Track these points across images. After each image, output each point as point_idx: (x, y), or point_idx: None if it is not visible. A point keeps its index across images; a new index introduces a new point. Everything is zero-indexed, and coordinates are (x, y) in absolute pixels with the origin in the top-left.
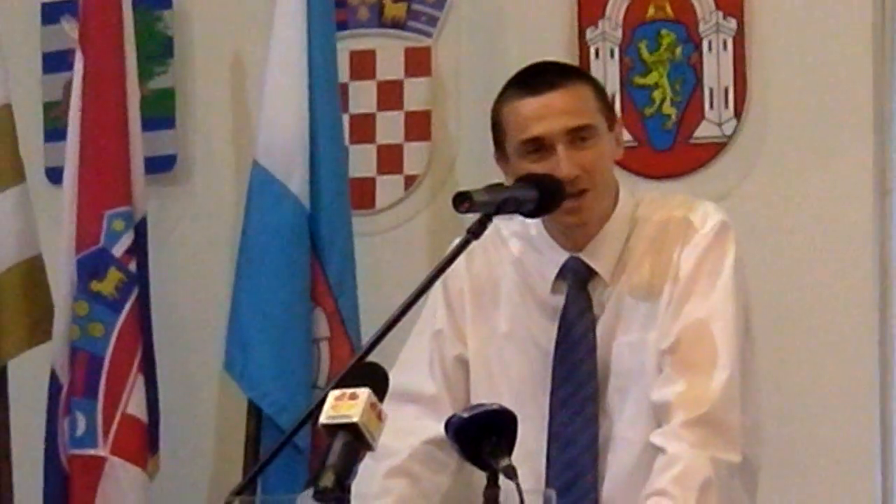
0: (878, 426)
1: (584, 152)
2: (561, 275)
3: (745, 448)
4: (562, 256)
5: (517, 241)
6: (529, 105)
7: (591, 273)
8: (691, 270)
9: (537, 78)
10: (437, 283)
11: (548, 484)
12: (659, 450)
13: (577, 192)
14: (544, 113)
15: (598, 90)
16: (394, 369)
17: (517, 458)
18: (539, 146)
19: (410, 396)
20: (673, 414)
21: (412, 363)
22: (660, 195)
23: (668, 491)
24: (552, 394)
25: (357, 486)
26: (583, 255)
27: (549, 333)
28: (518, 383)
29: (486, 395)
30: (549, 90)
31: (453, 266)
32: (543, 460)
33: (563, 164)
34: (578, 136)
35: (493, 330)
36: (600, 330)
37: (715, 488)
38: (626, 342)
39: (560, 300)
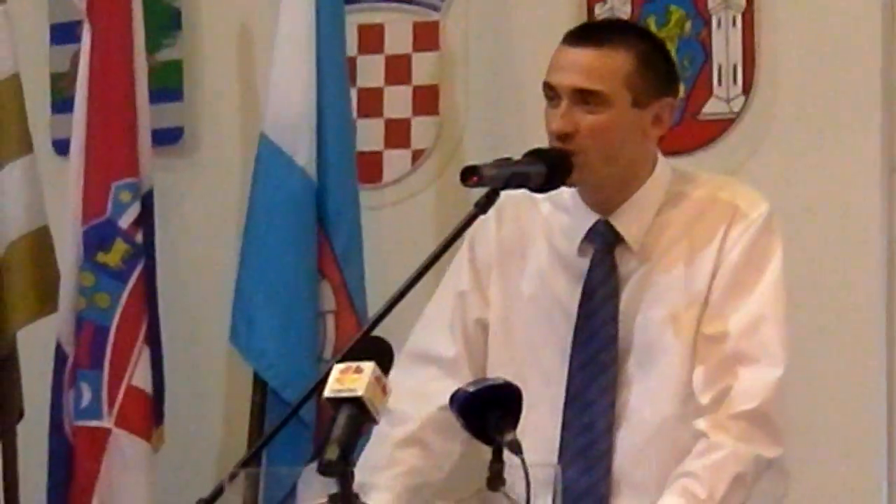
0: (884, 402)
1: (588, 116)
2: (588, 237)
3: (785, 443)
4: (591, 219)
5: (548, 203)
6: (562, 53)
7: (618, 238)
8: (742, 258)
9: (586, 31)
10: (465, 246)
11: (562, 447)
12: (702, 435)
13: (568, 150)
14: (565, 65)
15: (645, 64)
16: (415, 328)
17: (529, 419)
18: (553, 94)
19: (430, 358)
20: (722, 404)
21: (434, 323)
22: (698, 171)
23: (699, 475)
24: (572, 356)
25: (368, 453)
26: (611, 219)
27: (573, 296)
28: (540, 346)
29: (503, 357)
30: (582, 45)
31: (483, 229)
32: (558, 423)
33: (557, 117)
34: (584, 98)
35: (518, 292)
36: (625, 297)
37: (747, 482)
38: (655, 316)
39: (586, 262)
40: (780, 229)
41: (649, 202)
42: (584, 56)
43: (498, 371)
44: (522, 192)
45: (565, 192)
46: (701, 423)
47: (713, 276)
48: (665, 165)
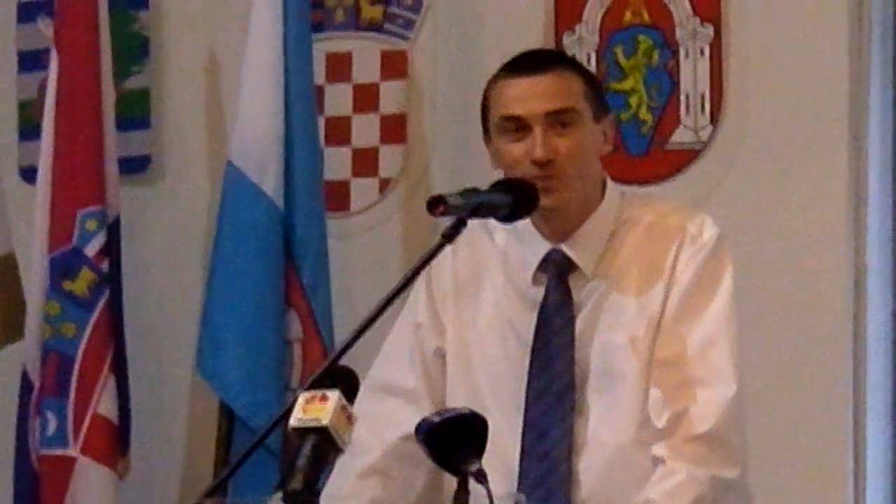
0: (850, 429)
1: (562, 138)
2: (542, 266)
3: (744, 464)
4: (544, 248)
5: (502, 232)
6: (514, 85)
7: (571, 266)
8: (692, 281)
9: (527, 61)
10: (422, 277)
11: (521, 476)
12: (659, 460)
13: (548, 175)
14: (527, 94)
15: (590, 81)
16: (376, 360)
17: (490, 449)
18: (518, 126)
19: (390, 389)
20: (678, 428)
21: (393, 355)
22: (649, 197)
23: (658, 501)
24: (528, 384)
25: (331, 485)
26: (564, 247)
27: (528, 324)
28: (497, 373)
29: (462, 384)
30: (535, 73)
31: (439, 259)
32: (518, 452)
33: (537, 145)
34: (558, 120)
35: (474, 320)
36: (581, 323)
37: None
38: (611, 342)
39: (540, 292)
40: (730, 252)
41: (601, 228)
42: (542, 82)
43: (458, 399)
44: (478, 223)
45: (520, 221)
46: (658, 449)
47: (665, 300)
48: (614, 190)
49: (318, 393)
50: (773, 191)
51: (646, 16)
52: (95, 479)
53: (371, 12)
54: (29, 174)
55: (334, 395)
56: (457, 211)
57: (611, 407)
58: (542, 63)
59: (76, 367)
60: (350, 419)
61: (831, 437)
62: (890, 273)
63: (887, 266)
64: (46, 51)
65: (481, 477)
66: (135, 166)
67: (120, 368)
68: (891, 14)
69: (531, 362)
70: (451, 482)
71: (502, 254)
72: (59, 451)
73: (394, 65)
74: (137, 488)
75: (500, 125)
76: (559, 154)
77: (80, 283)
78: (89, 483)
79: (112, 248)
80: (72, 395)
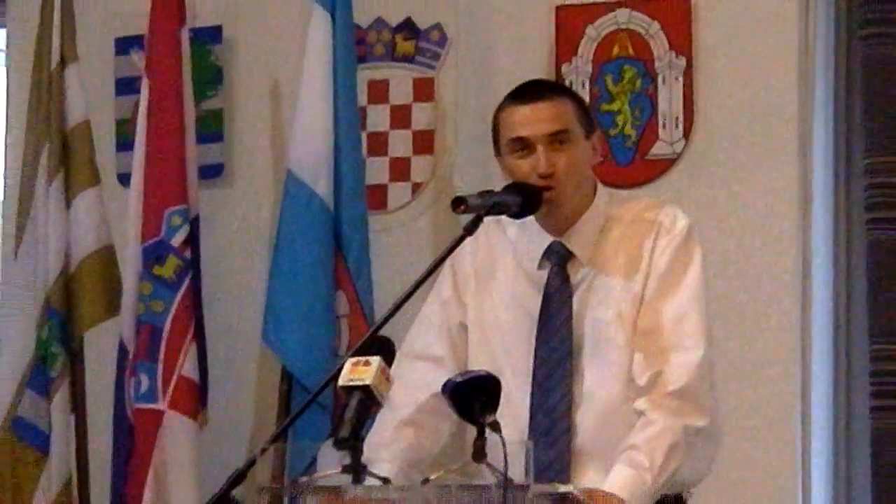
0: (798, 411)
1: (560, 154)
2: (546, 255)
3: (712, 414)
4: (547, 240)
5: (513, 226)
6: (519, 112)
7: (569, 254)
8: (668, 264)
9: (529, 91)
10: (447, 263)
11: (531, 428)
12: (641, 413)
13: (550, 187)
14: (530, 119)
15: (580, 105)
16: (409, 332)
17: (504, 404)
18: (524, 145)
19: (421, 355)
20: (656, 385)
21: (424, 327)
22: (631, 197)
23: (640, 446)
24: (535, 352)
25: (372, 434)
26: (563, 240)
27: (535, 302)
28: (510, 343)
29: (483, 352)
30: (536, 101)
31: (461, 248)
32: (527, 407)
33: (541, 161)
34: (556, 139)
35: (491, 300)
36: (577, 301)
37: (681, 450)
38: (602, 316)
39: (544, 275)
40: (699, 239)
41: (593, 224)
42: (543, 108)
43: (477, 364)
44: (493, 219)
45: (526, 218)
46: (639, 403)
47: (646, 280)
48: (603, 191)
49: (363, 358)
50: (735, 193)
51: (630, 50)
52: (180, 428)
53: (405, 47)
54: (125, 179)
55: (376, 360)
56: (475, 209)
57: (603, 369)
58: (541, 92)
59: (164, 336)
60: (388, 380)
61: (779, 410)
62: (831, 265)
63: (829, 259)
64: (139, 78)
65: (496, 427)
66: (211, 172)
67: (200, 337)
68: (832, 48)
69: (537, 333)
70: (471, 431)
71: (513, 244)
72: (150, 406)
73: (423, 90)
74: (214, 436)
75: (509, 145)
76: (558, 167)
77: (168, 269)
78: (175, 432)
79: (193, 240)
80: (161, 360)
